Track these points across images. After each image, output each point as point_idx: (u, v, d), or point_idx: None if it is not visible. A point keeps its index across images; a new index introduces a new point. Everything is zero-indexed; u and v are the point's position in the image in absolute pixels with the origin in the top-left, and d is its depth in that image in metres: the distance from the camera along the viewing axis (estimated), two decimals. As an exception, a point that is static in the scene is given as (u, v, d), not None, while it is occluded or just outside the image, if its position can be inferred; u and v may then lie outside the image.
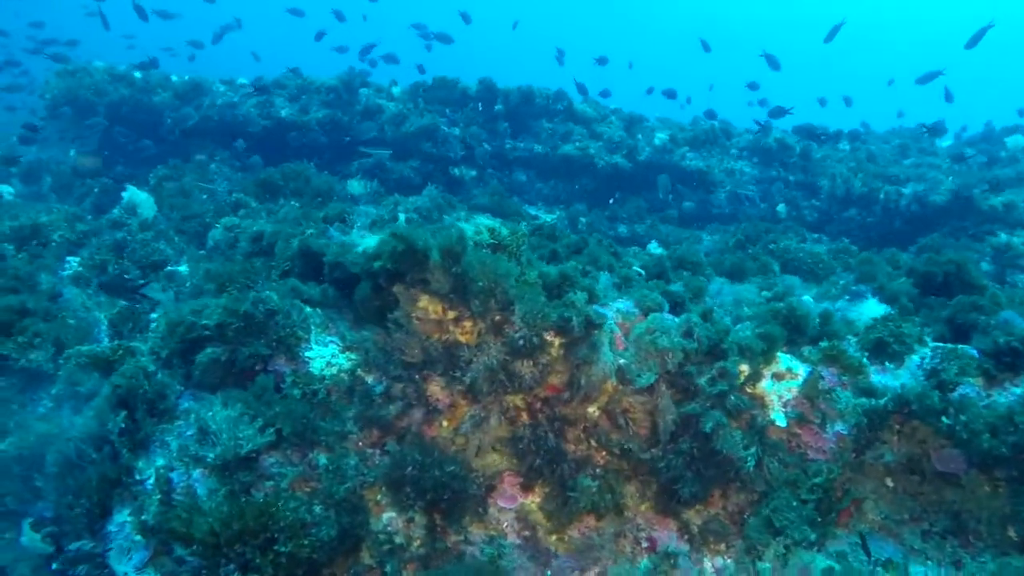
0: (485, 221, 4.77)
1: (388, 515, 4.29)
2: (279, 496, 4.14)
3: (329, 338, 5.36)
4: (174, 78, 14.72)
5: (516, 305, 4.10)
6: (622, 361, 4.44)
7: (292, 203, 10.63)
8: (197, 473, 4.52)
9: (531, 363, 4.16)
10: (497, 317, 4.25)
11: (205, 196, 10.98)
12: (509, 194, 12.39)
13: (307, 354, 5.18)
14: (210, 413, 4.56)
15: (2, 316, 5.82)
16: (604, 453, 4.48)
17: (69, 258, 9.42)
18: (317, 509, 4.21)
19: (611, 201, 12.39)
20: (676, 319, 4.61)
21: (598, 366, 4.19)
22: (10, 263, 8.41)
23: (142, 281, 8.15)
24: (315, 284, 5.84)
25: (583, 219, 12.25)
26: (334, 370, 5.05)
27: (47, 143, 18.54)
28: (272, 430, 4.52)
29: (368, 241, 4.85)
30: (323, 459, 4.49)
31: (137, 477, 4.61)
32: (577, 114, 13.68)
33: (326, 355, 5.17)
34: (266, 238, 7.81)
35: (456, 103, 13.06)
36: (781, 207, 13.31)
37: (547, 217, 12.44)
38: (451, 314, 4.45)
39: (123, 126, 14.61)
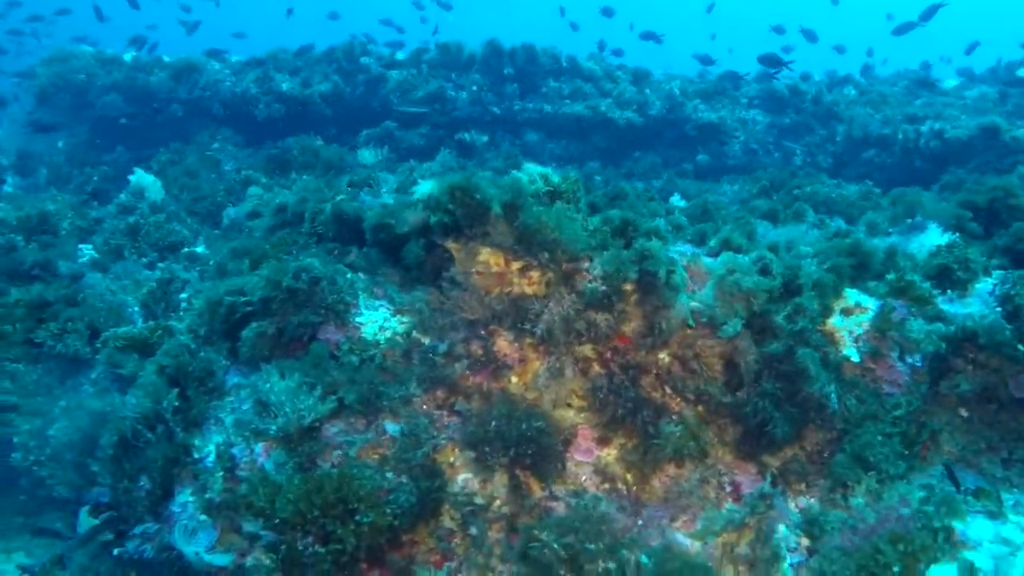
0: (536, 168, 4.55)
1: (463, 476, 4.14)
2: (353, 465, 3.98)
3: (378, 302, 5.16)
4: (166, 59, 14.31)
5: (594, 257, 3.91)
6: (694, 304, 4.26)
7: (304, 176, 10.36)
8: (259, 447, 4.35)
9: (607, 312, 3.98)
10: (567, 266, 4.05)
11: (214, 175, 10.70)
12: (522, 156, 12.12)
13: (357, 319, 4.99)
14: (268, 385, 4.38)
15: (31, 303, 5.60)
16: (679, 399, 4.32)
17: (81, 246, 9.18)
18: (390, 475, 4.05)
19: (636, 155, 12.08)
20: (746, 258, 4.42)
21: (676, 310, 4.01)
22: (25, 253, 8.16)
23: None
24: (355, 248, 5.63)
25: (598, 177, 12.00)
26: (387, 334, 4.86)
27: (37, 133, 18.12)
28: (334, 398, 4.34)
29: (422, 188, 4.63)
30: (390, 425, 4.32)
31: (196, 456, 4.44)
32: (584, 71, 13.36)
33: (377, 319, 4.98)
34: (290, 208, 7.57)
35: (462, 68, 12.72)
36: (797, 153, 13.09)
37: (561, 177, 12.20)
38: (515, 265, 4.25)
39: (116, 111, 14.23)
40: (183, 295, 6.37)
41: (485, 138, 12.21)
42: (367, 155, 10.53)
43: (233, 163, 11.40)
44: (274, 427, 4.25)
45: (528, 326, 4.17)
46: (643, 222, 4.16)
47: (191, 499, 4.37)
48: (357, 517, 3.69)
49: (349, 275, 5.09)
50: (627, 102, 12.91)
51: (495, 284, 4.37)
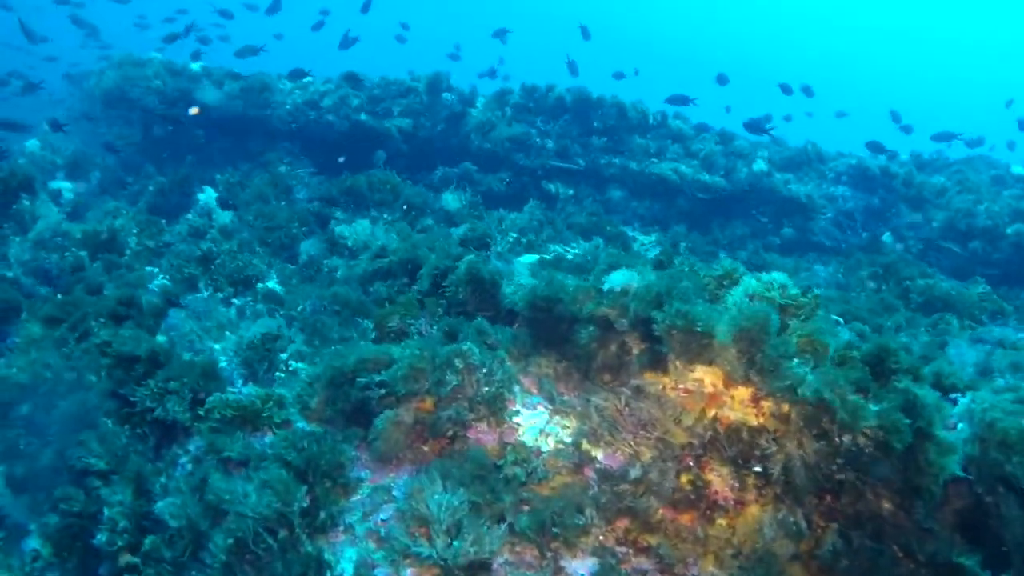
0: (778, 277, 3.89)
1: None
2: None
3: (534, 398, 4.46)
4: (236, 73, 13.84)
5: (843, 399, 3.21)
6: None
7: (386, 215, 9.74)
8: (408, 573, 3.60)
9: (862, 472, 3.26)
10: (813, 408, 3.34)
11: (284, 203, 10.09)
12: (605, 213, 11.52)
13: (514, 419, 4.28)
14: (424, 496, 3.65)
15: (123, 355, 4.91)
16: None
17: (148, 268, 8.54)
18: (574, 632, 3.31)
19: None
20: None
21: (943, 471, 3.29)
22: (92, 275, 7.51)
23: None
24: (493, 323, 4.94)
25: (683, 243, 11.37)
26: (551, 442, 4.15)
27: (95, 136, 17.67)
28: (504, 525, 3.62)
29: (617, 278, 3.97)
30: (571, 563, 3.58)
31: (329, 574, 3.69)
32: (672, 130, 12.81)
33: (537, 421, 4.27)
34: (396, 257, 6.92)
35: (548, 113, 12.18)
36: (887, 236, 12.44)
37: (644, 239, 11.56)
38: (741, 392, 3.55)
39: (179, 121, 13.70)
40: (283, 355, 5.67)
41: (571, 192, 11.62)
42: (451, 200, 9.92)
43: (305, 191, 10.80)
44: (432, 553, 3.51)
45: (754, 465, 3.45)
46: (903, 356, 3.46)
47: (321, 629, 3.63)
48: None
49: (507, 365, 4.39)
50: (713, 165, 12.34)
51: (705, 405, 3.66)
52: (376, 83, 12.65)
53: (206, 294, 7.61)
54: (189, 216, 9.82)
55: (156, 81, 13.92)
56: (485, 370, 4.23)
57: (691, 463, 3.63)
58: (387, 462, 4.24)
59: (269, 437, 4.39)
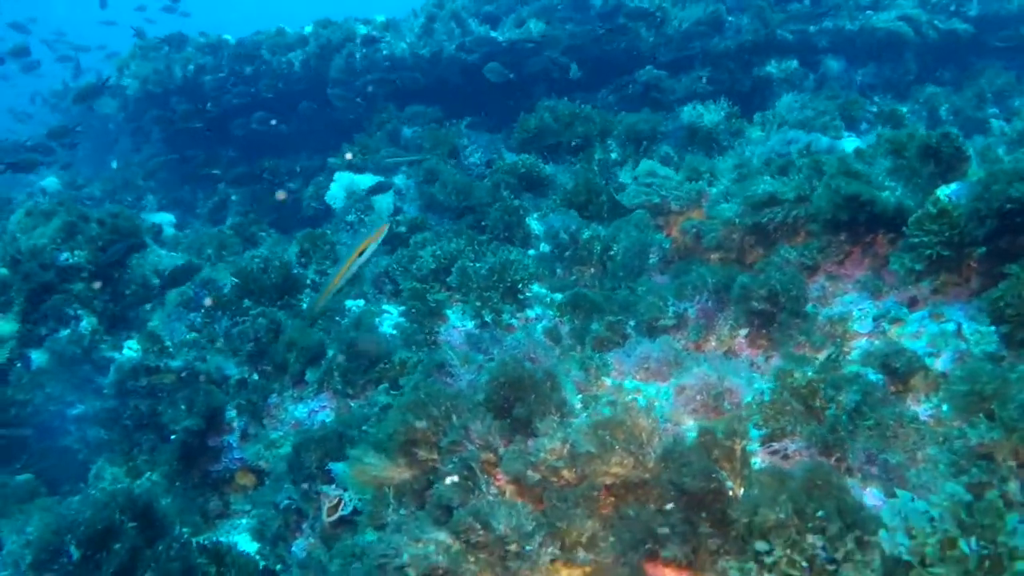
0: None
1: None
2: None
3: None
4: (301, 30, 10.83)
5: None
6: None
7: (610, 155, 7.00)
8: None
9: None
10: None
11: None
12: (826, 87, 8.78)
13: None
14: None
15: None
16: None
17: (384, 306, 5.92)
18: None
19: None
20: None
21: None
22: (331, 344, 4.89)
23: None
24: None
25: (943, 107, 8.69)
26: None
27: (111, 155, 14.75)
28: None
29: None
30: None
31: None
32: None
33: None
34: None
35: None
36: None
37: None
38: None
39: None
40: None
41: (794, 63, 8.80)
42: (690, 113, 7.14)
43: (480, 154, 8.02)
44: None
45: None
46: None
47: None
48: None
49: None
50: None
51: None
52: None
53: (472, 325, 5.02)
54: (350, 217, 7.07)
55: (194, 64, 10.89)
56: None
57: None
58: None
59: None
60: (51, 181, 12.62)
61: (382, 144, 9.00)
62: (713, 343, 3.65)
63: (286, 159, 11.00)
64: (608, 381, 3.22)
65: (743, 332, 3.56)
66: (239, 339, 5.25)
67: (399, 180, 7.50)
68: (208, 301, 5.77)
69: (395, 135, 9.13)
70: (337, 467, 3.37)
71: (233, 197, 10.36)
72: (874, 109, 8.61)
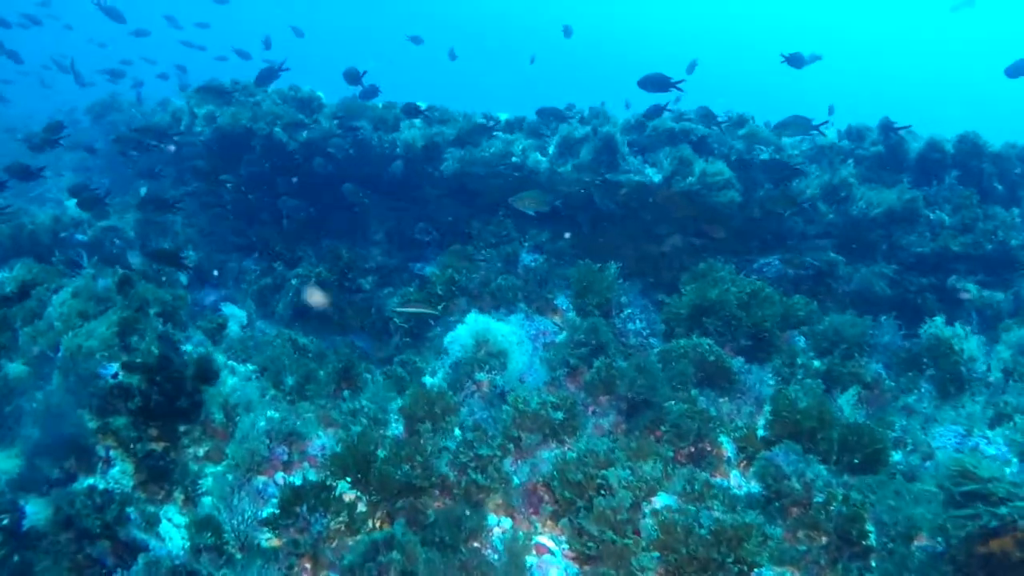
0: None
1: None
2: None
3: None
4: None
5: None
6: None
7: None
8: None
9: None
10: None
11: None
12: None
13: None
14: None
15: None
16: None
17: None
18: None
19: None
20: None
21: None
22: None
23: None
24: None
25: None
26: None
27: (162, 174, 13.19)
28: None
29: None
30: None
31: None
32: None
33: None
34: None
35: (914, 170, 8.02)
36: None
37: None
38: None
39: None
40: None
41: (999, 295, 7.42)
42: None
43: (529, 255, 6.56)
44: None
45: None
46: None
47: None
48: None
49: None
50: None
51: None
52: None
53: None
54: (480, 376, 5.38)
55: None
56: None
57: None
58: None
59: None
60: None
61: (491, 268, 7.45)
62: None
63: (353, 241, 9.52)
64: None
65: None
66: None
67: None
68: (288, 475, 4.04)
69: (512, 259, 7.61)
70: None
71: (293, 282, 8.71)
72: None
